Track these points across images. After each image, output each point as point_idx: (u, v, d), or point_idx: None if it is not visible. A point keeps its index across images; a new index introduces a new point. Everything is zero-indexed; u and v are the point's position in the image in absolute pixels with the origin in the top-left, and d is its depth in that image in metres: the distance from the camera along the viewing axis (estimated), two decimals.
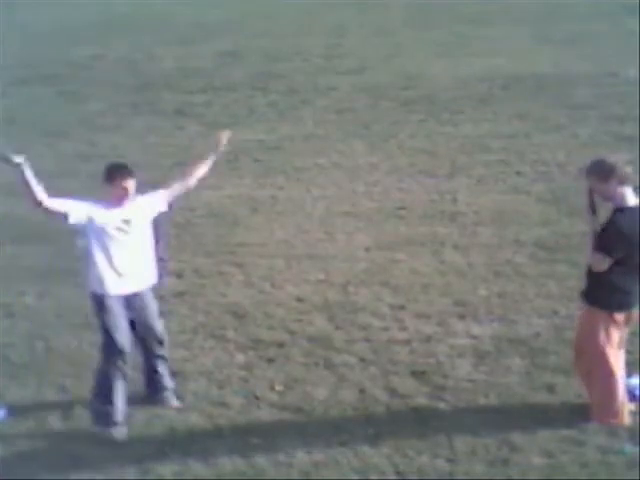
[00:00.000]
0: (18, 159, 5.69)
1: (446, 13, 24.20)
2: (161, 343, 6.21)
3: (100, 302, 5.90)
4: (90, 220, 5.82)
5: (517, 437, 5.61)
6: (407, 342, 6.97)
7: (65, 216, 5.82)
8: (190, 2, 28.91)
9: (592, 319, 5.61)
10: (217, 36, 22.68)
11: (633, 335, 5.91)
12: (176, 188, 6.19)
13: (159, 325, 6.17)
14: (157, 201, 6.11)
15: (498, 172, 11.05)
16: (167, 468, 5.57)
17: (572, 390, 6.07)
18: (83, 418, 6.12)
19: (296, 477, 5.44)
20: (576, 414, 5.78)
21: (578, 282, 5.88)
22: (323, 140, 13.04)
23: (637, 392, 5.89)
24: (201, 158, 6.32)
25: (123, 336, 5.91)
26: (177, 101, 15.94)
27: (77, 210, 5.85)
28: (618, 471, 5.30)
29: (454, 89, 15.43)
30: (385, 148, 12.40)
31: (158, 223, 6.19)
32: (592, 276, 5.55)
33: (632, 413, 5.74)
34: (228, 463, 5.58)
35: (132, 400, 6.25)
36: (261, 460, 5.58)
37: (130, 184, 5.86)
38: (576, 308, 6.09)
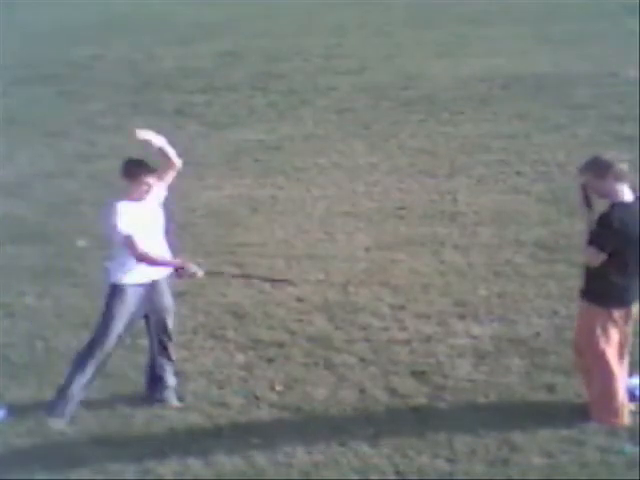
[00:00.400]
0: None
1: (446, 13, 24.22)
2: (170, 338, 6.23)
3: (120, 292, 5.93)
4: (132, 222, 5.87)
5: (517, 437, 5.61)
6: (407, 342, 6.97)
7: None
8: (190, 2, 28.93)
9: (590, 317, 5.62)
10: (217, 36, 22.70)
11: (633, 335, 5.91)
12: (166, 171, 6.14)
13: (171, 320, 6.21)
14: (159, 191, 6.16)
15: (498, 172, 11.06)
16: (167, 468, 5.56)
17: (572, 390, 6.07)
18: (83, 418, 6.12)
19: (296, 477, 5.44)
20: (576, 414, 5.78)
21: (578, 282, 5.88)
22: (323, 140, 13.04)
23: (637, 392, 5.88)
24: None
25: (115, 333, 5.95)
26: (177, 101, 15.95)
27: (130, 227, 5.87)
28: (618, 471, 5.29)
29: (454, 89, 15.43)
30: (385, 148, 12.40)
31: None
32: (590, 273, 5.57)
33: (632, 413, 5.73)
34: (228, 463, 5.57)
35: (132, 400, 6.26)
36: (261, 460, 5.57)
37: (152, 180, 5.91)
38: (576, 308, 6.08)
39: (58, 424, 5.97)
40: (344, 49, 19.96)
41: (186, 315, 7.60)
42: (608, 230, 5.38)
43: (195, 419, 6.07)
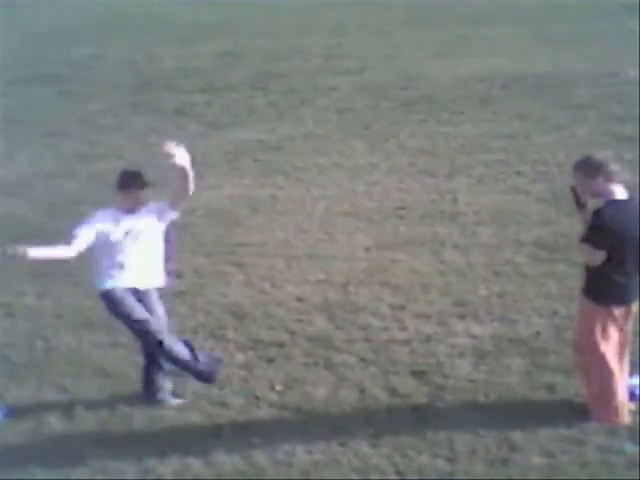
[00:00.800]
0: (10, 251, 5.62)
1: (446, 13, 24.21)
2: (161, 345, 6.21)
3: (111, 297, 5.93)
4: (99, 235, 5.83)
5: (517, 437, 5.61)
6: (407, 342, 6.97)
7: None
8: (190, 2, 28.92)
9: (590, 316, 5.62)
10: (217, 36, 22.69)
11: (633, 334, 5.91)
12: (176, 194, 6.08)
13: (164, 330, 6.15)
14: (164, 210, 6.08)
15: (498, 172, 11.05)
16: (167, 468, 5.57)
17: (572, 390, 6.07)
18: (83, 418, 6.12)
19: (296, 477, 5.44)
20: (576, 414, 5.78)
21: (578, 282, 5.88)
22: (323, 140, 13.04)
23: (637, 391, 5.88)
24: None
25: (143, 313, 5.90)
26: (177, 101, 15.95)
27: (87, 235, 5.86)
28: (618, 471, 5.29)
29: (454, 89, 15.43)
30: (385, 148, 12.40)
31: (169, 231, 6.21)
32: (590, 272, 5.58)
33: (632, 412, 5.74)
34: (228, 463, 5.58)
35: (132, 400, 6.27)
36: (261, 460, 5.57)
37: (145, 194, 5.87)
38: (576, 307, 6.08)
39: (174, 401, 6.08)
40: (344, 49, 19.96)
41: (186, 315, 7.61)
42: (601, 228, 5.39)
43: (195, 419, 6.07)
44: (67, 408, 6.24)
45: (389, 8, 25.64)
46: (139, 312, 5.91)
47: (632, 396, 5.82)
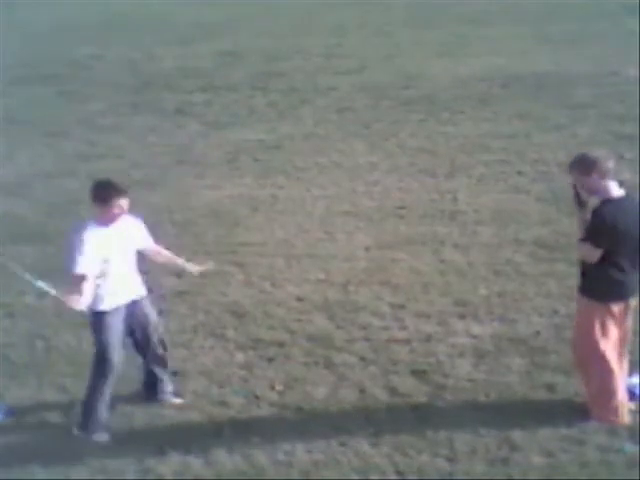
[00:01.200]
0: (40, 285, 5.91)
1: (446, 13, 24.22)
2: (164, 349, 6.22)
3: (100, 319, 5.85)
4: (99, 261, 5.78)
5: (517, 436, 5.61)
6: (407, 341, 6.97)
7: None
8: (190, 2, 28.92)
9: (589, 313, 5.62)
10: (217, 36, 22.70)
11: (633, 334, 5.91)
12: (156, 250, 6.22)
13: (156, 335, 6.16)
14: (144, 237, 6.09)
15: (498, 172, 11.05)
16: (167, 467, 5.57)
17: (572, 389, 6.07)
18: None
19: (296, 476, 5.44)
20: (576, 413, 5.78)
21: (578, 281, 5.88)
22: (323, 139, 13.04)
23: (637, 391, 5.88)
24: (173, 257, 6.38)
25: (115, 355, 5.87)
26: (177, 101, 15.95)
27: (94, 270, 5.76)
28: (618, 470, 5.29)
29: (454, 89, 15.43)
30: (385, 147, 12.40)
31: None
32: (586, 269, 5.58)
33: (632, 412, 5.74)
34: (228, 462, 5.58)
35: (132, 400, 6.27)
36: (261, 459, 5.58)
37: (125, 202, 5.74)
38: (576, 307, 6.08)
39: (102, 437, 5.90)
40: (344, 49, 19.96)
41: (186, 314, 7.61)
42: (601, 226, 5.41)
43: (195, 418, 6.07)
44: (67, 408, 6.23)
45: (389, 8, 25.65)
46: (114, 350, 5.85)
47: (632, 396, 5.82)
